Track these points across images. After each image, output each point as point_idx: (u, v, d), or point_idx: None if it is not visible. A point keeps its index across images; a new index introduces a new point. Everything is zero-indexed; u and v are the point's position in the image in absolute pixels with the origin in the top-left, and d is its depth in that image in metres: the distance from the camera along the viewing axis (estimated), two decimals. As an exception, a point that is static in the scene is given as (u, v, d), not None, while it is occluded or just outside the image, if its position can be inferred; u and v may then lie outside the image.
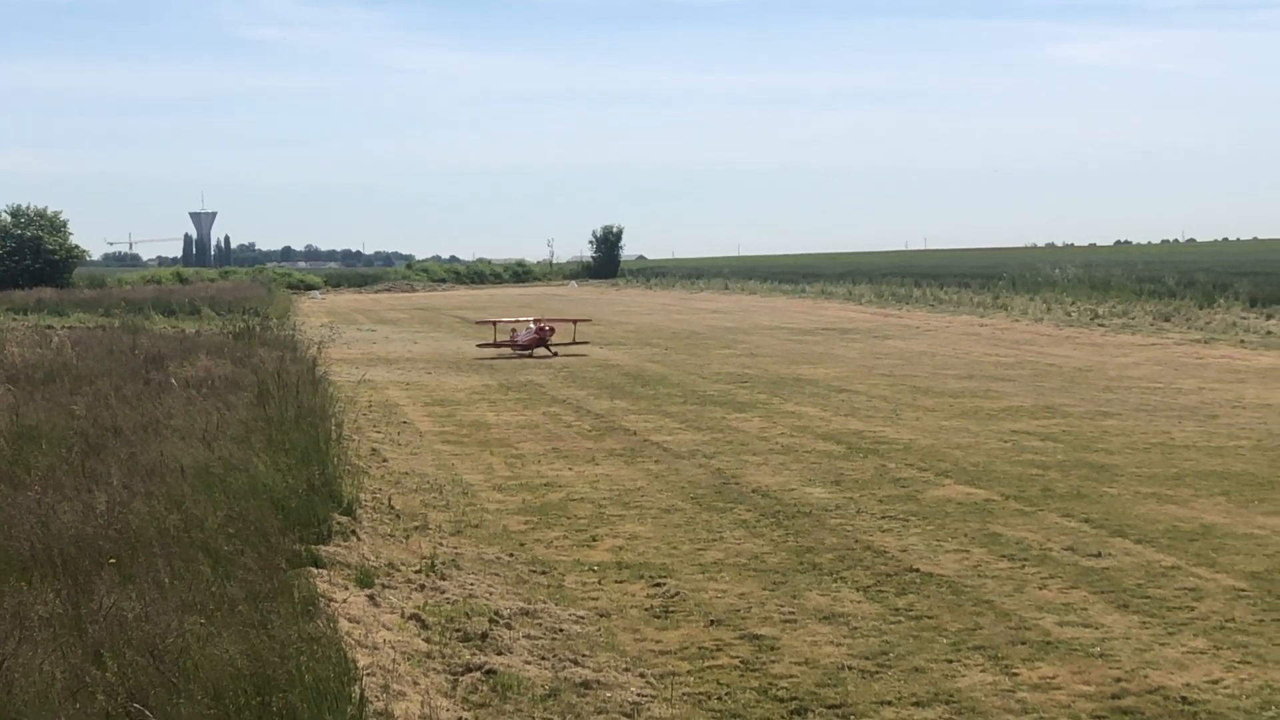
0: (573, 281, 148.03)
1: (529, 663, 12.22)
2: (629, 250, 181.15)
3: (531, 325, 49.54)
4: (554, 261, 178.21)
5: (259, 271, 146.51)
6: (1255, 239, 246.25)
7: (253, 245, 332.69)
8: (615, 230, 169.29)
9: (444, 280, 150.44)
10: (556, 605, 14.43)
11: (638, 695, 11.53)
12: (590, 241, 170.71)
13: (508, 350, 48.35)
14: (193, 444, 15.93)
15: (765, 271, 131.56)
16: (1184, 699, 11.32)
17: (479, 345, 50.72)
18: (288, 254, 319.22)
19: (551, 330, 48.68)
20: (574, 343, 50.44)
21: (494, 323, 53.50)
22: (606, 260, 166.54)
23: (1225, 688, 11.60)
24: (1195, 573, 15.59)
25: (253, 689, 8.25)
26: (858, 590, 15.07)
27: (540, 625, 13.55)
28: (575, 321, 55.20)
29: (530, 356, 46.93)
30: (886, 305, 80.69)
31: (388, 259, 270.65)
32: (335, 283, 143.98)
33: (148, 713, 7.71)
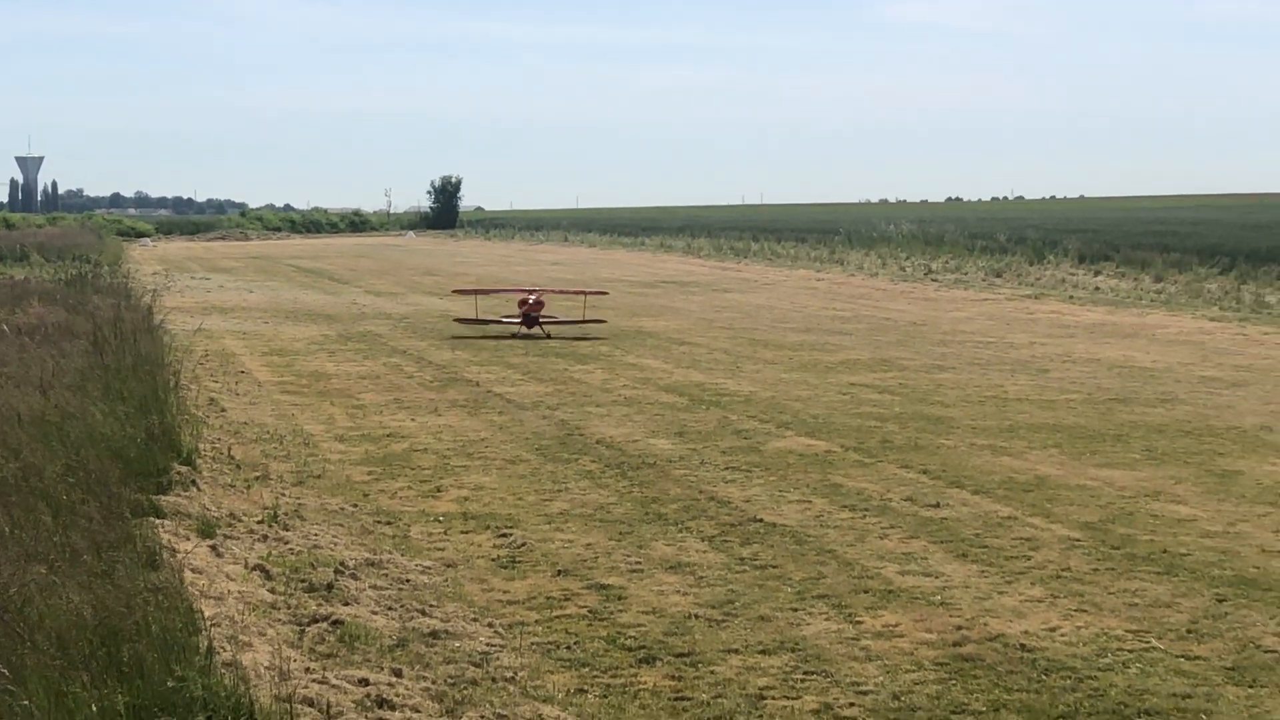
0: (410, 232, 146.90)
1: (376, 613, 12.14)
2: (467, 201, 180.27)
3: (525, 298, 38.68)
4: (391, 212, 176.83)
5: (88, 218, 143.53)
6: (1082, 197, 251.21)
7: (81, 191, 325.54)
8: (454, 181, 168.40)
9: (279, 229, 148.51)
10: (402, 555, 14.36)
11: (486, 645, 11.52)
12: (428, 192, 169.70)
13: (498, 328, 38.09)
14: (28, 392, 15.58)
15: (604, 224, 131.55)
16: (1023, 646, 11.56)
17: (458, 320, 40.10)
18: (117, 200, 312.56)
19: (540, 303, 38.01)
20: (584, 320, 39.07)
21: (476, 293, 41.93)
22: (445, 211, 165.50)
23: (1063, 635, 11.86)
24: (1031, 523, 15.91)
25: (99, 639, 8.11)
26: (703, 540, 15.18)
27: (386, 576, 13.48)
28: (584, 293, 42.99)
29: (522, 335, 37.09)
30: (725, 259, 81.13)
31: (220, 207, 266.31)
32: (167, 230, 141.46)
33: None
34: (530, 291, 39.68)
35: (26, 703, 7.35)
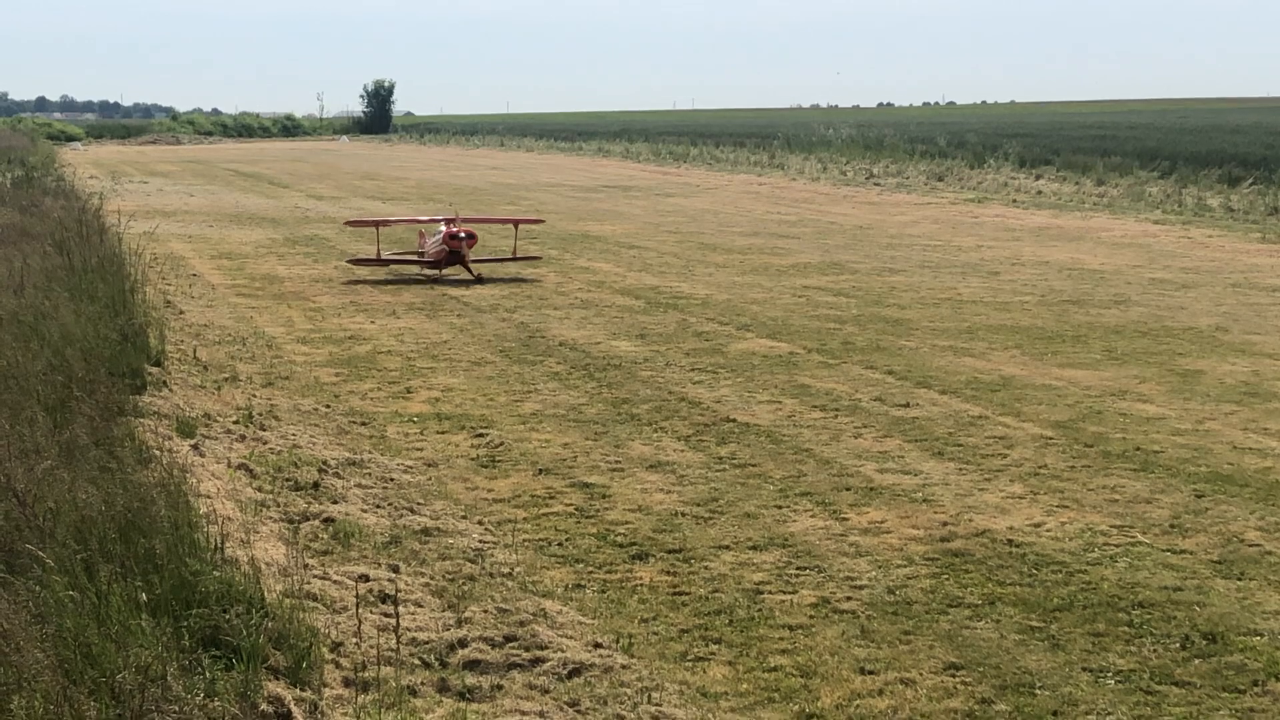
0: (344, 137, 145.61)
1: (365, 511, 12.15)
2: (399, 106, 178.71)
3: (440, 229, 29.86)
4: (324, 116, 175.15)
5: (17, 121, 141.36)
6: (1013, 102, 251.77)
7: (5, 95, 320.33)
8: (387, 85, 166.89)
9: (210, 134, 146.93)
10: (383, 455, 14.34)
11: (479, 542, 11.55)
12: (361, 97, 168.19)
13: (402, 269, 30.35)
14: (2, 293, 15.41)
15: (539, 129, 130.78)
16: (1010, 541, 11.69)
17: (352, 261, 30.69)
18: (42, 105, 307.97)
19: (471, 237, 29.35)
20: (516, 257, 30.96)
21: (377, 224, 32.01)
22: (378, 116, 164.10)
23: (1048, 531, 12.00)
24: (1002, 422, 16.04)
25: (116, 533, 8.08)
26: (679, 440, 15.23)
27: (370, 475, 13.47)
28: (515, 222, 34.99)
29: (439, 279, 28.87)
30: (665, 163, 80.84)
31: (148, 111, 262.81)
32: (97, 134, 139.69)
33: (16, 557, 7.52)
34: (449, 220, 30.34)
35: (50, 593, 7.33)
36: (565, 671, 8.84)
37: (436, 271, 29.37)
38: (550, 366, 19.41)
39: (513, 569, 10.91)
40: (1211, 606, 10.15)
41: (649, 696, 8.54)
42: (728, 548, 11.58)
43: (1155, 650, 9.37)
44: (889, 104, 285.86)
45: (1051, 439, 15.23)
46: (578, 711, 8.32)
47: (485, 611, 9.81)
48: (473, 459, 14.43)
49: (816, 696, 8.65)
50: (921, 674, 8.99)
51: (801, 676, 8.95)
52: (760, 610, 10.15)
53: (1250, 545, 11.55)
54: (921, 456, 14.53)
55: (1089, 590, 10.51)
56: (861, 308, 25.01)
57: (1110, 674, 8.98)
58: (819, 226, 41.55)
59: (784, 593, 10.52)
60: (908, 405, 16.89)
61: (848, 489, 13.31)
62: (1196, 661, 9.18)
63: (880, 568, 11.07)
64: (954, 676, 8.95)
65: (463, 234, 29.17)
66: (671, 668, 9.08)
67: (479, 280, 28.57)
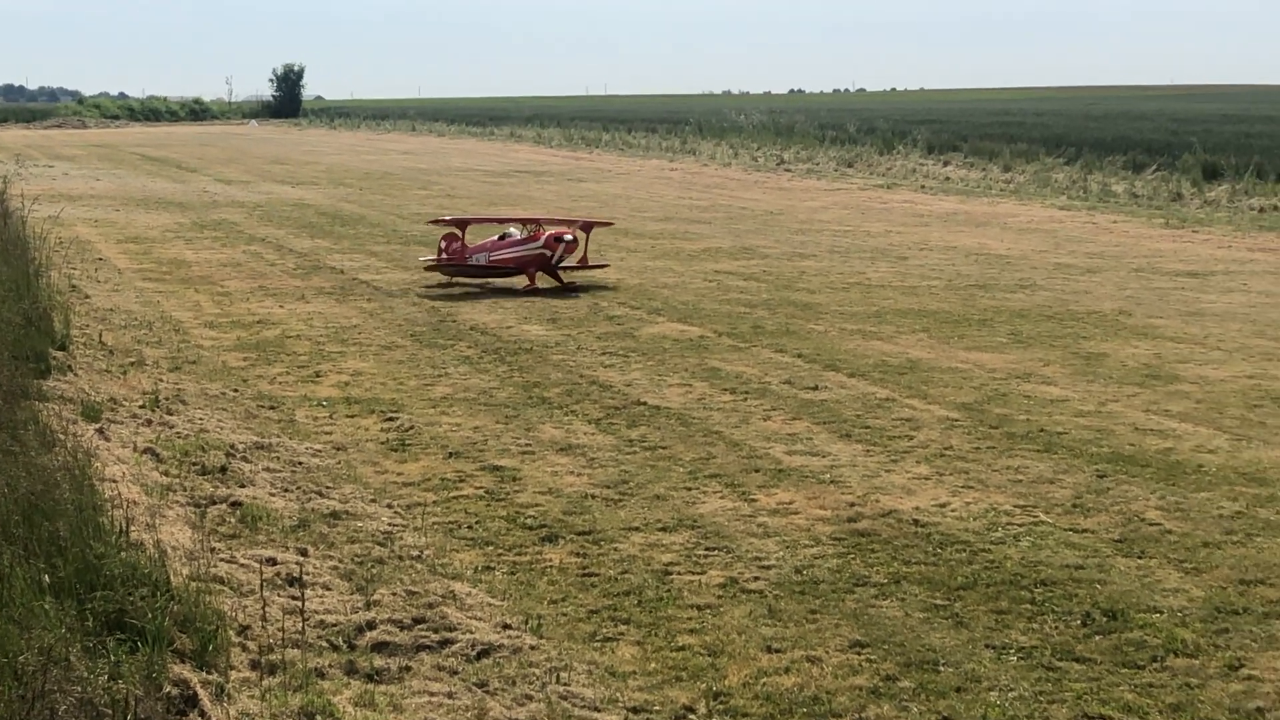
0: (253, 121, 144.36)
1: (274, 495, 12.11)
2: (309, 91, 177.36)
3: (512, 231, 26.51)
4: (232, 100, 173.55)
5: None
6: (922, 90, 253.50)
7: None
8: (296, 69, 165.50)
9: (117, 118, 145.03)
10: (291, 439, 14.28)
11: (389, 525, 11.54)
12: (270, 80, 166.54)
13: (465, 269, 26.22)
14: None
15: (451, 114, 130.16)
16: (916, 521, 11.81)
17: (425, 264, 26.99)
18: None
19: (574, 241, 25.88)
20: (585, 265, 26.53)
21: (458, 223, 27.71)
22: (288, 100, 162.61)
23: (953, 511, 12.13)
24: (909, 404, 16.19)
25: (19, 516, 8.02)
26: (589, 423, 15.27)
27: (278, 459, 13.41)
28: (586, 225, 27.94)
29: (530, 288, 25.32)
30: (577, 149, 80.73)
31: (53, 95, 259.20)
32: (1, 118, 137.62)
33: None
34: (530, 220, 27.32)
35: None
36: (474, 653, 8.86)
37: (487, 280, 25.77)
38: (461, 350, 19.39)
39: (422, 552, 10.91)
40: (1112, 584, 10.31)
41: (557, 676, 8.57)
42: (637, 529, 11.63)
43: (1057, 627, 9.50)
44: (800, 90, 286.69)
45: (957, 421, 15.39)
46: (486, 692, 8.34)
47: (394, 594, 9.81)
48: (382, 443, 14.40)
49: (724, 675, 8.71)
50: (827, 652, 9.07)
51: (709, 655, 9.01)
52: (669, 591, 10.21)
53: (1151, 524, 11.72)
54: (830, 438, 14.64)
55: (992, 569, 10.64)
56: (772, 292, 25.13)
57: (1012, 651, 9.10)
58: (730, 212, 41.67)
59: (692, 573, 10.58)
60: (816, 388, 17.00)
61: (756, 471, 13.39)
62: (1097, 638, 9.32)
63: (788, 548, 11.15)
64: (859, 654, 9.04)
65: (568, 235, 25.59)
66: (580, 648, 9.11)
67: (570, 288, 25.26)
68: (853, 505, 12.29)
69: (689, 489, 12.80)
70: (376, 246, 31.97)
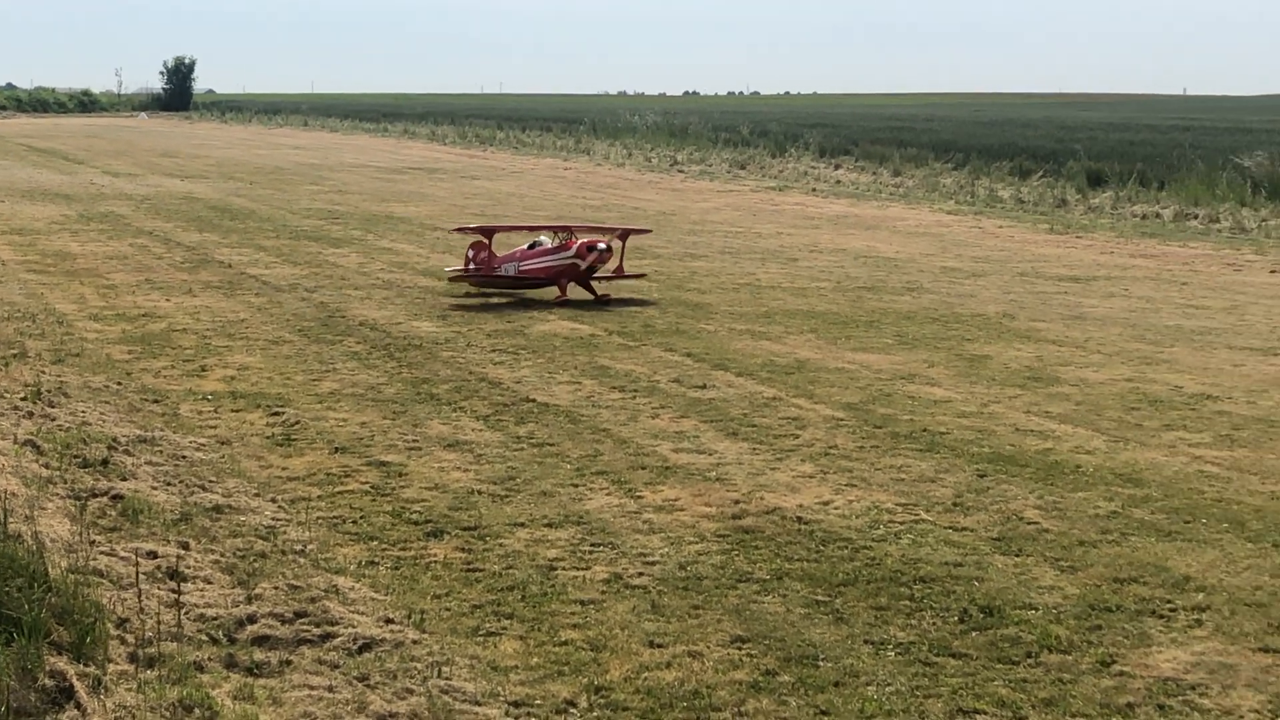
0: (143, 113, 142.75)
1: (156, 488, 12.02)
2: (200, 84, 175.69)
3: (543, 240, 24.76)
4: (122, 93, 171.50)
5: None
6: (815, 93, 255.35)
7: None
8: (187, 62, 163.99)
9: (4, 108, 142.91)
10: (175, 433, 14.18)
11: (272, 519, 11.49)
12: (161, 73, 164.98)
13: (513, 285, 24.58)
14: None
15: (344, 109, 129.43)
16: (799, 519, 11.92)
17: (451, 275, 25.44)
18: None
19: (608, 250, 24.13)
20: (621, 275, 24.94)
21: (483, 231, 25.55)
22: (178, 93, 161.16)
23: (836, 509, 12.26)
24: (796, 403, 16.32)
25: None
26: (478, 419, 15.27)
27: (161, 452, 13.31)
28: (623, 233, 26.03)
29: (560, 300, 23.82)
30: (471, 146, 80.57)
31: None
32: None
33: None
34: (565, 228, 25.28)
35: None
36: (355, 647, 8.85)
37: (517, 292, 24.29)
38: (350, 346, 19.31)
39: (305, 546, 10.88)
40: (990, 581, 10.46)
41: (439, 671, 8.58)
42: (523, 525, 11.66)
43: (934, 623, 9.64)
44: (695, 92, 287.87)
45: (842, 420, 15.54)
46: (367, 686, 8.33)
47: (276, 588, 9.77)
48: (267, 437, 14.33)
49: (605, 669, 8.76)
50: (709, 647, 9.15)
51: (591, 650, 9.06)
52: (553, 586, 10.24)
53: (1029, 523, 11.91)
54: (716, 436, 14.74)
55: (873, 566, 10.77)
56: (663, 291, 25.22)
57: (891, 646, 9.22)
58: (623, 211, 41.73)
59: (577, 569, 10.62)
60: (705, 387, 17.10)
61: (643, 468, 13.46)
62: (974, 634, 9.46)
63: (672, 544, 11.23)
64: (740, 649, 9.12)
65: (601, 245, 23.94)
66: (463, 642, 9.13)
67: (604, 301, 23.85)
68: (738, 503, 12.38)
69: (576, 485, 12.84)
70: (266, 241, 31.75)
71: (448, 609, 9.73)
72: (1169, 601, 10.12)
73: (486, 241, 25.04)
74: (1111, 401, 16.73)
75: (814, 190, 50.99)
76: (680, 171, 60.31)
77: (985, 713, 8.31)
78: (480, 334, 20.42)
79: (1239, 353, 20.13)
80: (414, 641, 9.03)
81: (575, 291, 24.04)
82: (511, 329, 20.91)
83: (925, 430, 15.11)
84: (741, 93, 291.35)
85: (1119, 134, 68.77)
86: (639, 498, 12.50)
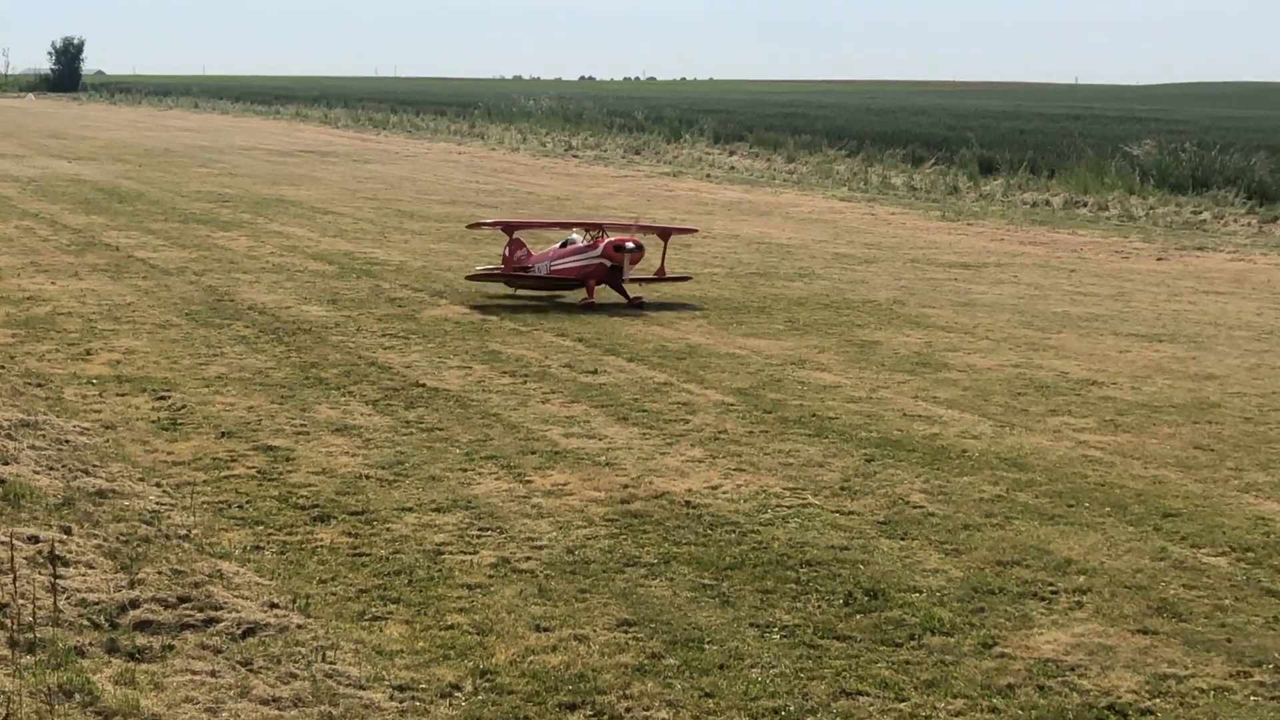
0: (30, 94, 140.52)
1: (38, 473, 11.85)
2: (89, 65, 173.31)
3: (575, 237, 23.12)
4: (8, 73, 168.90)
5: None
6: (712, 80, 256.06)
7: None
8: (76, 43, 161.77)
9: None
10: (58, 417, 13.99)
11: (156, 504, 11.37)
12: (49, 54, 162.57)
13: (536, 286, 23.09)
14: None
15: (236, 92, 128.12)
16: (688, 503, 11.96)
17: (481, 272, 23.92)
18: None
19: (639, 249, 22.47)
20: (662, 277, 23.37)
21: (503, 226, 24.19)
22: (67, 73, 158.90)
23: (724, 493, 12.31)
24: (686, 388, 16.37)
25: None
26: (367, 404, 15.19)
27: (44, 436, 13.13)
28: (664, 232, 24.61)
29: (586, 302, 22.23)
30: (364, 130, 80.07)
31: None
32: None
33: None
34: (596, 226, 23.80)
35: None
36: (239, 631, 8.78)
37: (553, 293, 22.80)
38: (238, 330, 19.14)
39: (190, 531, 10.78)
40: (875, 565, 10.55)
41: (324, 655, 8.54)
42: (411, 509, 11.62)
43: (820, 606, 9.70)
44: (591, 77, 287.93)
45: (732, 405, 15.60)
46: (250, 670, 8.27)
47: (159, 573, 9.68)
48: (153, 422, 14.17)
49: (491, 653, 8.75)
50: (595, 630, 9.16)
51: (478, 634, 9.04)
52: (440, 570, 10.21)
53: (914, 507, 12.02)
54: (607, 421, 14.75)
55: (760, 549, 10.83)
56: (555, 277, 25.15)
57: (776, 629, 9.28)
58: (517, 196, 41.67)
59: (465, 553, 10.60)
60: (596, 372, 17.11)
61: (533, 453, 13.45)
62: (858, 617, 9.54)
63: (561, 529, 11.23)
64: (626, 633, 9.14)
65: (630, 244, 22.33)
66: (348, 627, 9.09)
67: (638, 305, 22.27)
68: (626, 487, 12.40)
69: (465, 470, 12.81)
70: (154, 224, 31.38)
71: (333, 593, 9.68)
72: (1050, 584, 10.26)
73: (522, 240, 23.63)
74: (998, 387, 16.92)
75: (708, 176, 51.12)
76: (575, 157, 60.25)
77: (868, 694, 8.39)
78: (371, 318, 20.30)
79: (1124, 339, 20.43)
80: (299, 626, 8.98)
81: (607, 294, 22.38)
82: (402, 314, 20.80)
83: (814, 415, 15.21)
84: (638, 78, 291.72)
85: (1010, 122, 69.52)
86: (528, 482, 12.49)
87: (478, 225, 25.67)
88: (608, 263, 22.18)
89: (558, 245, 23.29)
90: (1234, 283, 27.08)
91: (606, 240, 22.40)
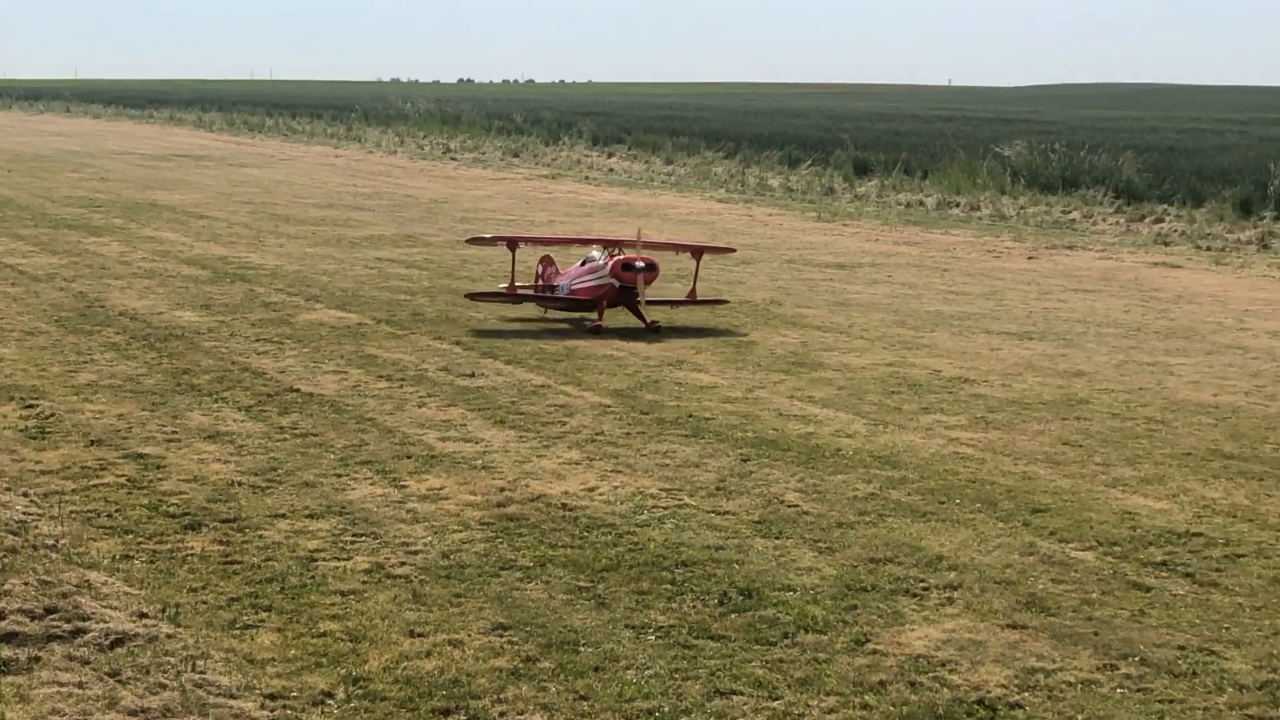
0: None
1: (-100, 485, 11.62)
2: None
3: (594, 255, 21.34)
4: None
5: None
6: (590, 82, 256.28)
7: None
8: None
9: None
10: (-78, 427, 13.72)
11: (23, 514, 11.19)
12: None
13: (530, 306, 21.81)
14: None
15: (109, 96, 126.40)
16: (565, 505, 11.96)
17: (472, 296, 21.72)
18: None
19: (652, 268, 20.68)
20: (694, 300, 21.68)
21: (507, 241, 22.21)
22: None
23: (601, 495, 12.32)
24: (564, 390, 16.37)
25: None
26: (240, 410, 15.04)
27: (-93, 447, 12.87)
28: (696, 250, 23.23)
29: (595, 326, 20.52)
30: (239, 134, 79.29)
31: None
32: None
33: None
34: (614, 242, 21.86)
35: None
36: (108, 642, 8.67)
37: (583, 315, 20.95)
38: (108, 337, 18.87)
39: (58, 541, 10.62)
40: (750, 564, 10.61)
41: (193, 665, 8.44)
42: (284, 516, 11.52)
43: (695, 606, 9.74)
44: (469, 80, 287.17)
45: (610, 407, 15.62)
46: (118, 681, 8.16)
47: (25, 584, 9.52)
48: (20, 430, 13.94)
49: (364, 660, 8.70)
50: (470, 635, 9.13)
51: (351, 641, 8.98)
52: (313, 577, 10.13)
53: (789, 506, 12.10)
54: (484, 425, 14.71)
55: (636, 551, 10.85)
56: (433, 279, 25.10)
57: (651, 630, 9.30)
58: (395, 199, 41.45)
59: (338, 559, 10.53)
60: (473, 375, 17.06)
61: (409, 457, 13.38)
62: (733, 616, 9.58)
63: (436, 533, 11.18)
64: (501, 636, 9.12)
65: (640, 262, 20.45)
66: (219, 636, 8.99)
67: (654, 329, 20.35)
68: (503, 490, 12.38)
69: (339, 476, 12.72)
70: (23, 230, 30.85)
71: (204, 602, 9.57)
72: (922, 580, 10.37)
73: (552, 257, 22.44)
74: (873, 386, 17.07)
75: (587, 178, 51.14)
76: (453, 159, 60.05)
77: (742, 693, 8.43)
78: (245, 323, 20.10)
79: (996, 337, 20.69)
80: (168, 636, 8.87)
81: (624, 317, 20.75)
82: (277, 318, 20.62)
83: (691, 416, 15.26)
84: (517, 80, 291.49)
85: (885, 124, 70.18)
86: (403, 487, 12.43)
87: (478, 241, 24.13)
88: (617, 283, 20.46)
89: (579, 264, 21.61)
90: (1102, 280, 27.53)
91: (614, 259, 20.70)
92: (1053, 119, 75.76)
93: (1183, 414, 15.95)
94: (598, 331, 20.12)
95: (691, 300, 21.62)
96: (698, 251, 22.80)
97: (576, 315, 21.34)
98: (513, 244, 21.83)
